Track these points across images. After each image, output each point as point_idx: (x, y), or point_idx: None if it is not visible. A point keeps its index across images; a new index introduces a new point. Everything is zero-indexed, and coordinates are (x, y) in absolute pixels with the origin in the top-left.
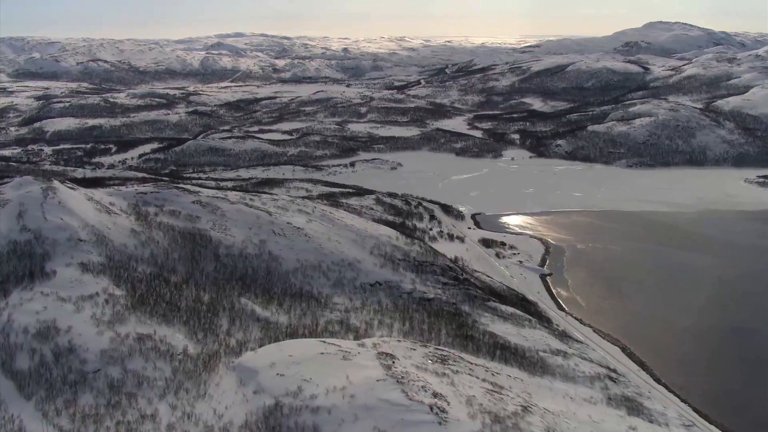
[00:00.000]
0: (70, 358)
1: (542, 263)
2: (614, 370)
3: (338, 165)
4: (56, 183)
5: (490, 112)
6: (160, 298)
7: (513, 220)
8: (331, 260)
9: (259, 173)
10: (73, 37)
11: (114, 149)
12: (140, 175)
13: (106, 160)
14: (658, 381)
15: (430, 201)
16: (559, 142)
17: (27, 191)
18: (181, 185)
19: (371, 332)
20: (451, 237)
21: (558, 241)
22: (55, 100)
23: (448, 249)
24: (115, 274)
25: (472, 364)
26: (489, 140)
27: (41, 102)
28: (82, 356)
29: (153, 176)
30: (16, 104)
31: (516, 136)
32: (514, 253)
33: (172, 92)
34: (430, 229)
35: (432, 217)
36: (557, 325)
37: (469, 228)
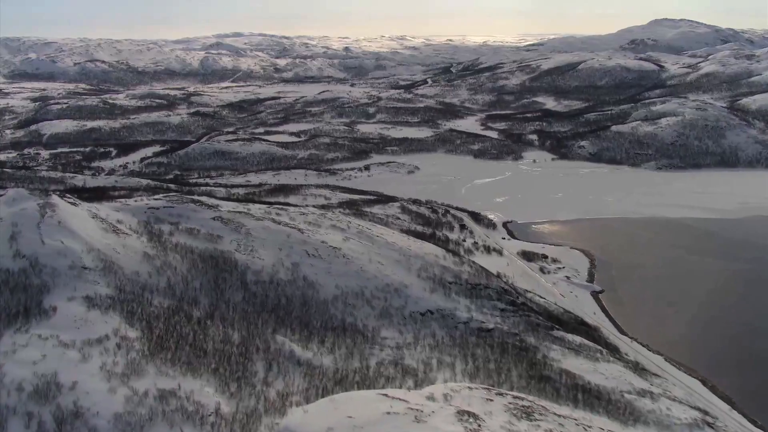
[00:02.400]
0: (77, 425)
1: (590, 278)
2: (707, 412)
3: (352, 168)
4: (55, 198)
5: (503, 112)
6: (183, 340)
7: (548, 229)
8: (375, 285)
9: (269, 178)
10: (70, 37)
11: (114, 152)
12: (144, 182)
13: (107, 164)
14: (754, 423)
15: (457, 208)
16: (582, 143)
17: (21, 208)
18: (197, 198)
19: (431, 375)
20: (487, 249)
21: (601, 252)
22: (52, 101)
23: (487, 264)
24: (128, 309)
25: (559, 416)
26: (506, 141)
27: (38, 104)
28: (92, 422)
29: (162, 185)
30: (11, 106)
31: (534, 137)
32: (559, 267)
33: (172, 93)
34: (464, 241)
35: (462, 227)
36: (626, 354)
37: (504, 238)
